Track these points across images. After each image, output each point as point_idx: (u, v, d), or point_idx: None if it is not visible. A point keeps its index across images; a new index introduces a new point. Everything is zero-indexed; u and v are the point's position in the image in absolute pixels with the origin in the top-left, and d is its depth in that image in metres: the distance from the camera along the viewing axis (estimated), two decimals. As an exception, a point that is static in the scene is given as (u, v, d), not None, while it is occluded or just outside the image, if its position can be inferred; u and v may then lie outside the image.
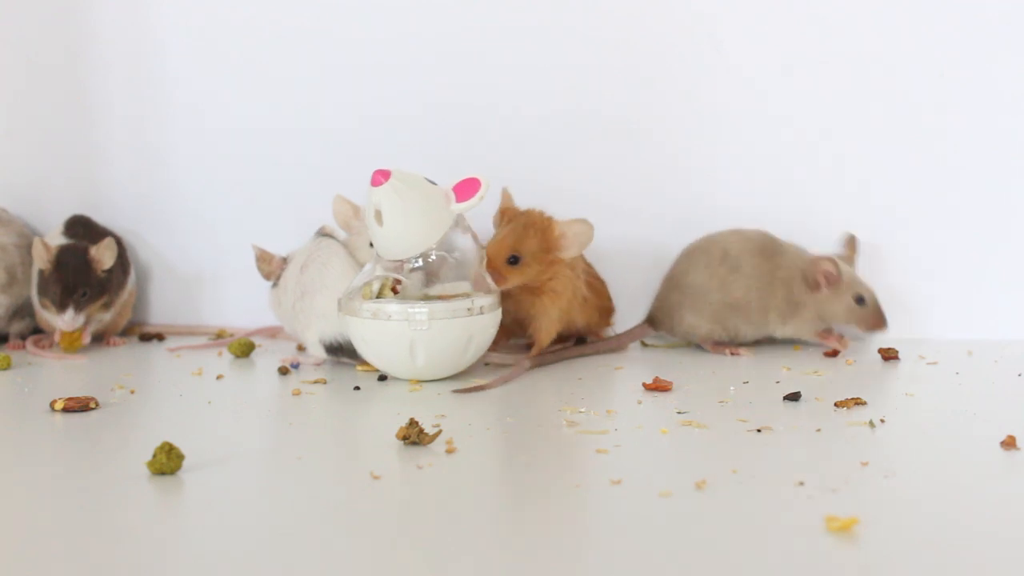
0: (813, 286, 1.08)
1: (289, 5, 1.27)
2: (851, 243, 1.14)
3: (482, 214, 1.07)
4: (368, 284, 0.99)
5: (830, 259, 1.08)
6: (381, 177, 0.95)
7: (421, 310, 0.95)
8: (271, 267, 1.11)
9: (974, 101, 1.16)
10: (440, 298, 0.97)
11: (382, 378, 0.99)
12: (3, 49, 1.32)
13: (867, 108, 1.18)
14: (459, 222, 0.98)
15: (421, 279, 0.98)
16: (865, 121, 1.19)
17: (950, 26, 1.15)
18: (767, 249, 1.10)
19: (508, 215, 1.05)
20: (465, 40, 1.24)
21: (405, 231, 0.95)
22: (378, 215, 0.95)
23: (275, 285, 1.11)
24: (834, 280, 1.08)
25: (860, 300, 1.09)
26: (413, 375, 0.98)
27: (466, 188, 0.98)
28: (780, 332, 1.11)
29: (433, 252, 0.97)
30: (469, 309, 0.97)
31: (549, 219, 1.04)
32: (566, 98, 1.23)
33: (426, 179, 0.97)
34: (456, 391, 0.94)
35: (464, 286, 0.98)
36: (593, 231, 1.03)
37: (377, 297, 0.98)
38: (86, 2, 1.29)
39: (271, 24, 1.27)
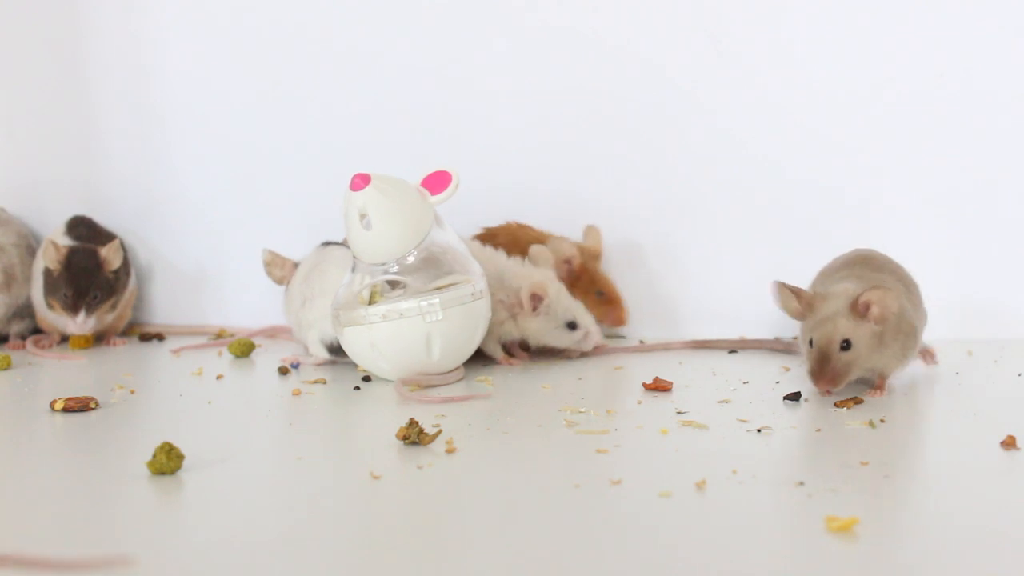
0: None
1: (290, 8, 1.27)
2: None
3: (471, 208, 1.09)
4: (370, 288, 0.98)
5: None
6: (362, 181, 0.94)
7: (432, 301, 0.95)
8: (283, 271, 1.12)
9: (972, 104, 1.16)
10: (441, 288, 0.96)
11: (366, 379, 0.99)
12: (3, 49, 1.33)
13: (865, 110, 1.18)
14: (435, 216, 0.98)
15: (418, 276, 0.98)
16: (863, 123, 1.19)
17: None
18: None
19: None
20: (463, 42, 1.24)
21: (395, 231, 0.95)
22: (364, 219, 0.94)
23: (287, 289, 1.12)
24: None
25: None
26: (428, 369, 0.97)
27: (436, 181, 0.97)
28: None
29: (415, 251, 0.96)
30: (472, 295, 0.97)
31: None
32: (569, 99, 1.23)
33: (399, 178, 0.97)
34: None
35: (458, 276, 0.98)
36: None
37: (369, 304, 0.97)
38: (86, 3, 1.29)
39: (272, 26, 1.27)
